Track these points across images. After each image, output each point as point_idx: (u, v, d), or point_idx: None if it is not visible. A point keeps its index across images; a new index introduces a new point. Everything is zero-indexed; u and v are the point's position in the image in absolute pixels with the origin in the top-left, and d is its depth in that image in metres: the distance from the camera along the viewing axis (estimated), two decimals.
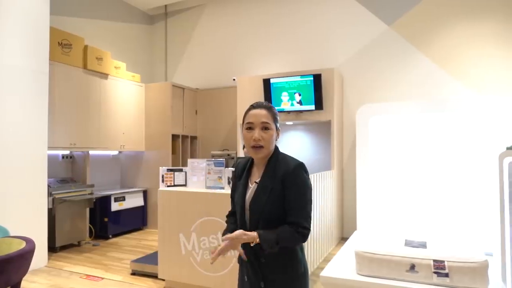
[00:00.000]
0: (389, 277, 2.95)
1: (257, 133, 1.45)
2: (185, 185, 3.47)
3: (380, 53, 5.40)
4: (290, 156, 1.54)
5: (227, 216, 1.71)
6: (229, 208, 1.73)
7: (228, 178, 3.26)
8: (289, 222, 1.43)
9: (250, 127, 1.49)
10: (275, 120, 1.51)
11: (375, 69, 5.44)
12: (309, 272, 1.60)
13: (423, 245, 3.13)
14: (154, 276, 3.59)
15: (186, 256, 3.24)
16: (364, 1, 5.51)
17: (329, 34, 5.75)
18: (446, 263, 2.79)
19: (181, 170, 3.48)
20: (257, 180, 1.50)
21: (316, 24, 5.84)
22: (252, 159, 1.58)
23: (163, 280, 3.45)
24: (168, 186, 3.43)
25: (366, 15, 5.49)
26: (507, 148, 3.12)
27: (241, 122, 1.58)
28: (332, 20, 5.72)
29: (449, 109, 4.09)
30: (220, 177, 3.30)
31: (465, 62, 4.91)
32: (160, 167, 3.47)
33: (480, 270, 2.74)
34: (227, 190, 3.20)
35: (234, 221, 1.64)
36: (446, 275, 2.78)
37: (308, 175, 1.51)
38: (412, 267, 2.89)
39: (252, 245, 1.36)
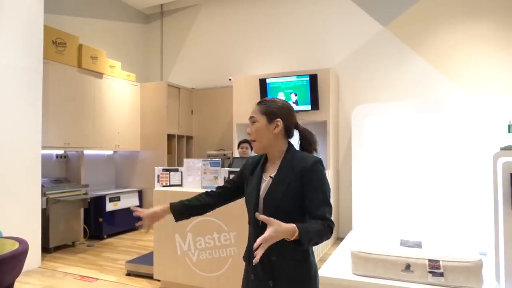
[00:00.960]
0: (385, 277, 2.96)
1: (248, 128, 1.55)
2: (181, 185, 3.45)
3: (376, 54, 5.43)
4: (306, 152, 1.53)
5: (207, 191, 1.74)
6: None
7: (224, 178, 3.25)
8: (315, 217, 1.37)
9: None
10: (265, 113, 1.51)
11: (370, 70, 5.47)
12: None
13: (418, 245, 3.14)
14: (149, 276, 3.57)
15: (181, 256, 3.23)
16: (360, 2, 5.52)
17: (324, 35, 5.76)
18: (441, 262, 2.81)
19: (176, 170, 3.46)
20: (272, 175, 1.49)
21: (312, 25, 5.84)
22: (266, 156, 1.58)
23: (159, 280, 3.44)
24: (163, 186, 3.41)
25: (362, 16, 5.51)
26: (501, 149, 3.15)
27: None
28: (328, 21, 5.73)
29: (444, 110, 4.12)
30: (216, 177, 3.28)
31: (459, 63, 4.95)
32: (156, 167, 3.46)
33: (474, 270, 2.76)
34: None
35: (204, 200, 1.68)
36: (441, 274, 2.79)
37: (325, 171, 1.48)
38: (408, 266, 2.90)
39: (291, 239, 1.26)
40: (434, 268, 2.80)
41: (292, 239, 1.25)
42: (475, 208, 3.77)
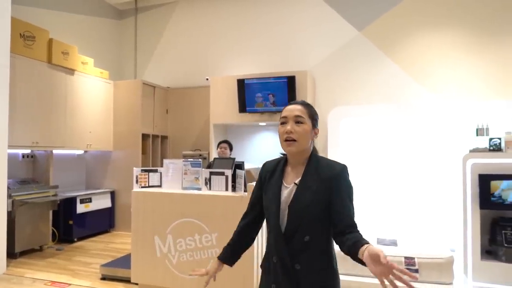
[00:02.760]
0: (363, 275, 3.05)
1: (289, 125, 1.43)
2: (160, 186, 3.38)
3: (350, 57, 5.56)
4: (330, 159, 1.51)
5: (239, 226, 1.64)
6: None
7: (206, 179, 3.22)
8: (346, 225, 1.35)
9: (284, 122, 1.46)
10: (311, 117, 1.47)
11: (345, 72, 5.60)
12: None
13: (394, 243, 3.26)
14: (126, 280, 3.46)
15: (161, 258, 3.16)
16: (337, 7, 5.65)
17: (301, 37, 5.84)
18: (416, 259, 2.93)
19: (156, 171, 3.39)
20: (297, 181, 1.44)
21: (290, 27, 5.91)
22: (286, 160, 1.53)
23: (136, 284, 3.34)
24: (142, 187, 3.33)
25: (338, 20, 5.63)
26: (470, 151, 3.33)
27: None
28: (305, 24, 5.82)
29: (417, 113, 4.30)
30: (197, 178, 3.25)
31: (429, 68, 5.16)
32: (134, 168, 3.37)
33: (446, 265, 2.91)
34: (205, 191, 3.16)
35: (239, 238, 1.60)
36: (416, 271, 2.91)
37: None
38: None
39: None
40: (410, 264, 2.92)
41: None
42: (444, 207, 3.96)
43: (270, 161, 1.60)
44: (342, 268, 3.03)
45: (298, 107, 1.46)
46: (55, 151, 5.19)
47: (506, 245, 3.02)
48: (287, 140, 1.43)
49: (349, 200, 1.40)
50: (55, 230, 5.10)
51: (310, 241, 1.39)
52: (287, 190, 1.45)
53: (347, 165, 1.46)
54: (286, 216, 1.41)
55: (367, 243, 1.22)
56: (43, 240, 4.81)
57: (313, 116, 1.49)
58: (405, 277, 1.07)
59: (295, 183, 1.44)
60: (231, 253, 1.59)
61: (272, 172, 1.53)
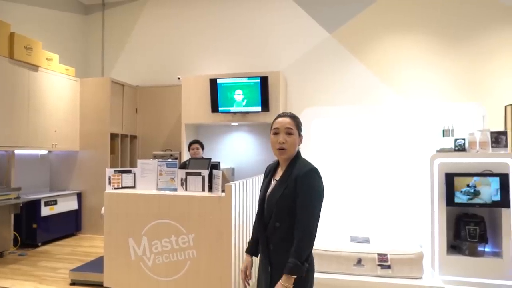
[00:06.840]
0: (338, 272, 3.13)
1: (281, 137, 1.69)
2: (134, 187, 3.29)
3: (322, 59, 5.68)
4: (307, 161, 1.73)
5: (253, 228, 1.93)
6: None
7: (182, 179, 3.18)
8: (296, 224, 1.59)
9: (276, 132, 1.72)
10: (298, 127, 1.73)
11: (317, 74, 5.71)
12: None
13: (366, 240, 3.37)
14: (98, 285, 3.34)
15: (135, 261, 3.08)
16: (309, 10, 5.75)
17: (274, 38, 5.89)
18: (388, 256, 3.05)
19: (129, 172, 3.30)
20: (277, 178, 1.74)
21: (262, 28, 5.94)
22: (278, 162, 1.81)
23: None
24: (115, 188, 3.23)
25: (310, 22, 5.73)
26: (437, 151, 3.51)
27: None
28: (278, 25, 5.88)
29: (386, 113, 4.46)
30: (172, 178, 3.19)
31: (396, 70, 5.37)
32: (107, 168, 3.25)
33: (416, 261, 3.05)
34: (181, 192, 3.12)
35: (255, 239, 1.85)
36: (389, 267, 3.03)
37: (321, 180, 1.66)
38: (359, 261, 3.10)
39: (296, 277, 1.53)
40: (383, 261, 3.03)
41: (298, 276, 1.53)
42: (413, 204, 4.14)
43: (272, 163, 1.89)
44: (316, 266, 3.09)
45: (288, 120, 1.72)
46: (16, 151, 4.91)
47: (469, 239, 3.21)
48: (279, 149, 1.70)
49: (309, 200, 1.59)
50: (17, 235, 4.83)
51: (279, 227, 1.64)
52: (272, 186, 1.75)
53: (317, 168, 1.67)
54: (266, 206, 1.72)
55: (287, 269, 1.53)
56: (4, 245, 4.53)
57: (299, 126, 1.75)
58: None
59: (275, 180, 1.74)
60: (255, 246, 1.84)
61: (269, 171, 1.85)
